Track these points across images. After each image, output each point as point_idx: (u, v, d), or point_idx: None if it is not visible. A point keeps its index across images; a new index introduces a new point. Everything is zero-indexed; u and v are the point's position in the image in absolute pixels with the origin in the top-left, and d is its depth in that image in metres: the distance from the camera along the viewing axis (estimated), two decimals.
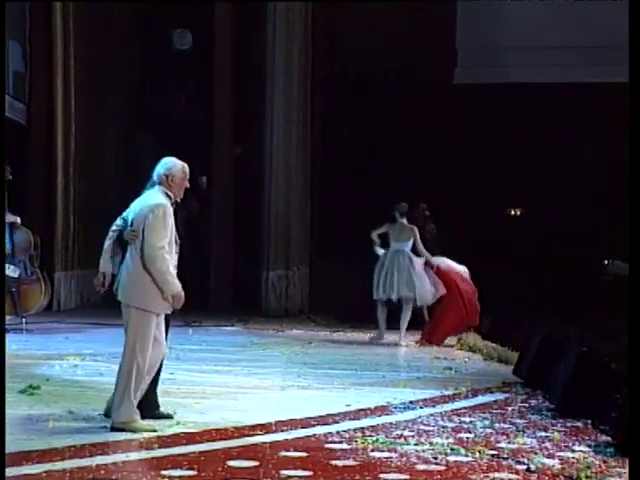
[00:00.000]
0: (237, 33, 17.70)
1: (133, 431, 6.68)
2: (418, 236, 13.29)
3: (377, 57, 17.64)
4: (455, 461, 6.23)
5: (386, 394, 8.88)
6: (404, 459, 6.25)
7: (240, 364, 10.36)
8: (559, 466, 6.14)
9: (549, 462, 6.24)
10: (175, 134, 16.74)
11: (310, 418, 7.52)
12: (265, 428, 7.06)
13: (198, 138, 17.48)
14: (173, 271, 6.83)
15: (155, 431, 6.74)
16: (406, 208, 13.45)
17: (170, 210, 6.87)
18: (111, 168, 17.88)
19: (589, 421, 7.62)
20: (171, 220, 6.84)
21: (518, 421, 7.77)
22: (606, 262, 13.32)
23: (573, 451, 6.65)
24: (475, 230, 17.29)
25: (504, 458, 6.34)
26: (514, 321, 14.11)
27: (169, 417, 7.17)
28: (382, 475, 5.80)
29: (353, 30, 17.98)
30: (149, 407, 7.07)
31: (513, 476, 5.85)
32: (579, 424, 7.68)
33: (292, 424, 7.23)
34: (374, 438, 6.79)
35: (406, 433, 7.09)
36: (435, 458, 6.29)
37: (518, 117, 17.58)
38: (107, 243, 7.15)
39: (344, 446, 6.59)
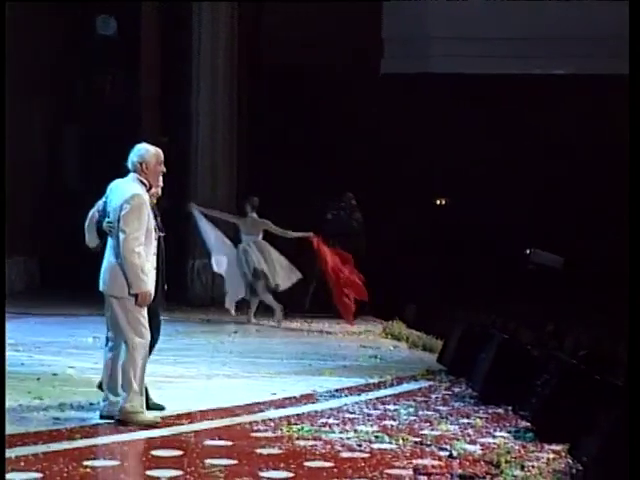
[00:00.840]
0: (163, 19, 17.53)
1: (139, 423, 6.60)
2: (274, 227, 13.36)
3: (304, 47, 17.64)
4: (379, 448, 6.30)
5: (312, 382, 8.92)
6: (329, 447, 6.29)
7: (165, 353, 10.24)
8: (480, 452, 6.25)
9: (471, 448, 6.35)
10: (100, 120, 16.51)
11: (236, 407, 7.52)
12: (190, 417, 7.04)
13: (124, 124, 17.27)
14: (148, 266, 6.74)
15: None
16: (257, 202, 13.57)
17: (145, 199, 6.76)
18: (37, 154, 17.56)
19: (510, 407, 7.76)
20: (147, 210, 6.75)
21: (441, 408, 7.88)
22: (528, 251, 13.58)
23: (494, 437, 6.77)
24: (402, 219, 17.43)
25: (427, 445, 6.42)
26: (439, 310, 14.28)
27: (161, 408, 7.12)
28: (307, 463, 5.83)
29: (280, 19, 17.96)
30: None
31: (436, 462, 5.93)
32: (500, 410, 7.83)
33: (217, 413, 7.23)
34: (299, 426, 6.82)
35: (331, 421, 7.13)
36: (359, 446, 6.34)
37: (444, 107, 17.74)
38: (87, 222, 7.02)
39: (269, 434, 6.61)
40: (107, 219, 6.81)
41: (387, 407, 7.81)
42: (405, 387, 8.99)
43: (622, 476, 5.25)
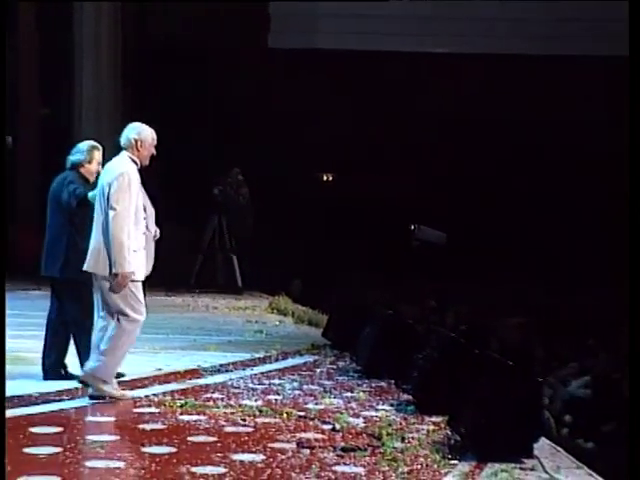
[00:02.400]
0: None
1: (103, 393, 6.67)
2: None
3: (190, 20, 17.43)
4: (263, 423, 6.32)
5: (197, 358, 8.89)
6: (213, 422, 6.28)
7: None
8: (363, 424, 6.33)
9: (354, 421, 6.42)
10: None
11: (119, 382, 7.41)
12: (71, 393, 6.92)
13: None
14: (136, 245, 6.64)
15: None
16: None
17: (136, 176, 6.69)
18: None
19: (392, 381, 7.89)
20: (137, 187, 6.67)
21: (326, 382, 7.96)
22: (413, 227, 13.77)
23: (377, 410, 6.87)
24: (288, 195, 17.46)
25: (311, 418, 6.48)
26: (324, 285, 14.39)
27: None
28: (190, 438, 5.81)
29: None
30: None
31: (319, 436, 5.98)
32: (383, 384, 7.96)
33: None
34: (183, 401, 6.79)
35: (215, 396, 7.13)
36: (244, 420, 6.35)
37: (331, 83, 17.80)
38: None
39: (153, 410, 6.56)
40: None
41: (272, 382, 7.85)
42: (290, 362, 9.04)
43: (498, 446, 5.41)
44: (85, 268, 6.77)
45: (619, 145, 17.03)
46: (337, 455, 5.46)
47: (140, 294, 6.80)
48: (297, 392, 7.45)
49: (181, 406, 6.67)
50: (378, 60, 17.99)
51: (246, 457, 5.36)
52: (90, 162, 7.47)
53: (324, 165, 18.81)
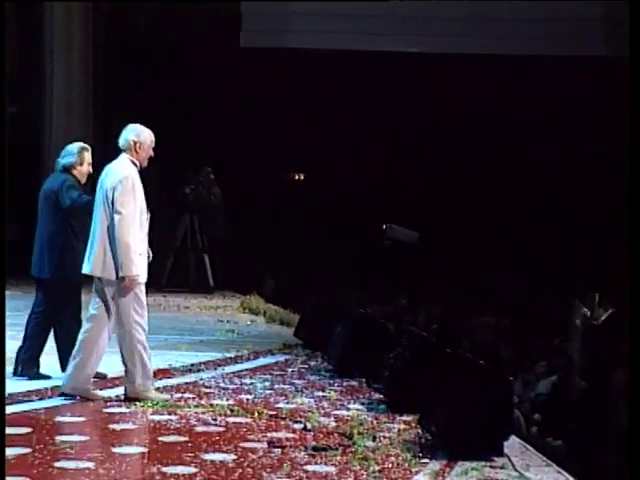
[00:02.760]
0: None
1: (147, 400, 6.68)
2: None
3: (163, 20, 17.37)
4: (234, 422, 6.31)
5: (168, 357, 8.86)
6: (184, 421, 6.26)
7: (15, 329, 9.97)
8: (334, 424, 6.34)
9: (325, 420, 6.43)
10: None
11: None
12: (40, 394, 6.88)
13: None
14: (141, 248, 6.67)
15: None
16: None
17: (138, 179, 6.71)
18: None
19: (364, 380, 7.90)
20: (141, 190, 6.70)
21: (297, 382, 7.96)
22: (384, 227, 13.75)
23: (348, 409, 6.88)
24: (259, 194, 17.44)
25: (282, 418, 6.48)
26: (296, 284, 14.40)
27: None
28: (161, 438, 5.79)
29: None
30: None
31: (290, 435, 5.98)
32: (355, 383, 7.98)
33: None
34: (154, 401, 6.76)
35: (187, 395, 7.12)
36: (215, 420, 6.34)
37: (303, 82, 17.80)
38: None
39: (123, 410, 6.53)
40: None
41: (243, 381, 7.84)
42: (262, 361, 9.04)
43: (468, 444, 5.44)
44: (90, 272, 6.77)
45: (597, 144, 17.25)
46: (308, 454, 5.47)
47: (144, 297, 6.83)
48: (268, 391, 7.45)
49: (152, 406, 6.64)
50: (350, 59, 18.00)
51: (217, 457, 5.36)
52: (81, 164, 7.55)
53: (297, 165, 18.81)
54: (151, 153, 6.94)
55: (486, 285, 15.17)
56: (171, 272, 15.33)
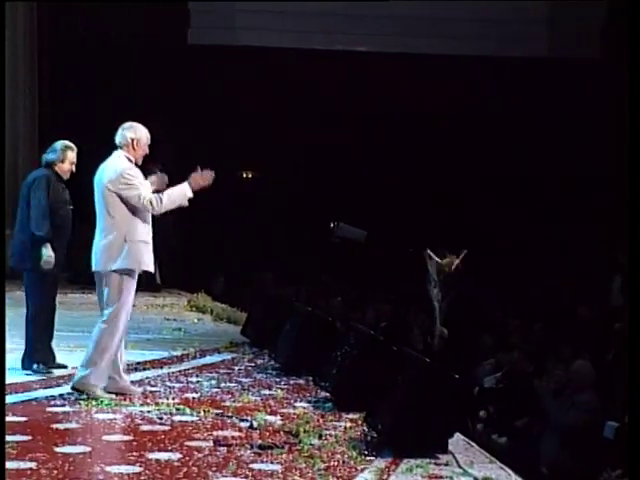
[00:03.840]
0: None
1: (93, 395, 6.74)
2: None
3: (109, 14, 17.22)
4: (180, 421, 6.27)
5: None
6: (129, 420, 6.22)
7: None
8: (280, 422, 6.33)
9: (271, 419, 6.42)
10: None
11: (32, 382, 7.32)
12: None
13: None
14: (148, 237, 6.93)
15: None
16: None
17: (139, 172, 6.84)
18: None
19: (311, 378, 7.90)
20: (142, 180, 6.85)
21: (244, 380, 7.94)
22: (332, 225, 13.77)
23: (294, 407, 6.88)
24: (208, 192, 17.33)
25: (228, 416, 6.45)
26: (244, 282, 14.35)
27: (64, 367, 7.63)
28: (105, 437, 5.74)
29: None
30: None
31: (236, 433, 5.96)
32: (301, 381, 7.97)
33: (12, 388, 6.97)
34: (98, 400, 6.70)
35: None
36: (160, 419, 6.29)
37: (250, 80, 17.76)
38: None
39: (67, 409, 6.46)
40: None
41: (189, 380, 7.81)
42: (208, 359, 9.00)
43: (413, 442, 5.46)
44: (94, 268, 6.90)
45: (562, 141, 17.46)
46: (254, 453, 5.45)
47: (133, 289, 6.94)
48: (215, 390, 7.42)
49: (96, 405, 6.58)
50: (300, 57, 17.99)
51: (162, 456, 5.32)
52: (63, 161, 7.75)
53: (244, 163, 18.75)
54: (147, 150, 7.06)
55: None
56: None
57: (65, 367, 7.88)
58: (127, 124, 7.04)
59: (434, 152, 17.80)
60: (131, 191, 6.77)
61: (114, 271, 6.79)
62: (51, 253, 7.51)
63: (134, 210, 6.83)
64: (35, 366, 7.68)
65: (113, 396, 6.84)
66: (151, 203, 6.81)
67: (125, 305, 6.85)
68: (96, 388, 6.79)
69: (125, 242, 6.79)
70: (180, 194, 6.96)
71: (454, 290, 7.08)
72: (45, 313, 7.77)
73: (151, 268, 7.04)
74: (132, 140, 6.93)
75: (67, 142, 7.85)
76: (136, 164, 6.98)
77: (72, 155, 7.77)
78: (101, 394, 6.79)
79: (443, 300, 7.12)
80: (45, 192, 7.59)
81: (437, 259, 7.23)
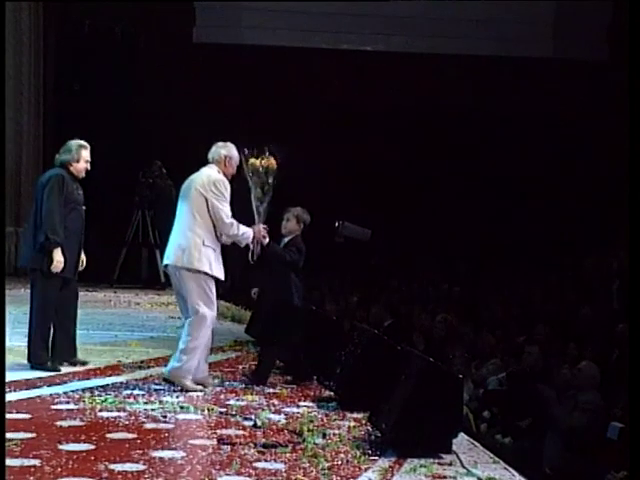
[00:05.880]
0: None
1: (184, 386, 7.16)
2: None
3: (115, 12, 17.22)
4: (184, 419, 6.28)
5: (118, 354, 8.81)
6: (133, 418, 6.22)
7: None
8: (284, 421, 6.33)
9: (275, 417, 6.42)
10: None
11: (37, 379, 7.32)
12: None
13: None
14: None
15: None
16: None
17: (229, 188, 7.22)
18: None
19: (315, 377, 7.90)
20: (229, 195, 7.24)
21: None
22: (337, 224, 13.74)
23: (298, 406, 6.88)
24: None
25: (232, 415, 6.45)
26: (248, 281, 14.29)
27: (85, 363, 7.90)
28: (109, 435, 5.73)
29: None
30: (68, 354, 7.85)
31: (240, 432, 5.96)
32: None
33: (16, 385, 7.00)
34: (103, 398, 6.72)
35: (136, 392, 7.07)
36: (164, 417, 6.30)
37: (254, 78, 17.75)
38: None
39: (71, 406, 6.46)
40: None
41: None
42: (212, 358, 8.93)
43: (417, 442, 5.46)
44: (172, 263, 7.22)
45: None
46: (258, 451, 5.45)
47: (214, 291, 7.33)
48: (219, 388, 7.42)
49: (100, 402, 6.59)
50: (304, 56, 17.98)
51: (166, 454, 5.32)
52: (78, 161, 7.78)
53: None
54: (235, 171, 7.37)
55: (440, 281, 15.24)
56: (122, 268, 15.21)
57: (86, 363, 8.00)
58: (221, 143, 7.36)
59: (439, 152, 17.79)
60: (219, 202, 7.15)
61: (189, 270, 7.15)
62: (61, 258, 7.52)
63: (212, 219, 7.18)
64: (38, 364, 7.69)
65: (200, 387, 7.22)
66: (232, 224, 7.21)
67: (207, 302, 7.28)
68: (186, 380, 7.16)
69: (203, 245, 7.15)
70: (246, 235, 7.35)
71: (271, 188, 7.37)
72: (46, 312, 7.75)
73: (221, 276, 7.36)
74: (225, 157, 7.29)
75: (81, 141, 7.87)
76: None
77: (86, 154, 7.82)
78: (191, 385, 7.15)
79: (262, 203, 7.36)
80: (59, 194, 7.60)
81: (253, 160, 7.43)
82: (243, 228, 7.31)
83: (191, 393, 7.14)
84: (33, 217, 7.76)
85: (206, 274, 7.20)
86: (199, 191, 7.19)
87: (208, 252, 7.17)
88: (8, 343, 8.88)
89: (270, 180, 7.46)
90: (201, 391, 7.20)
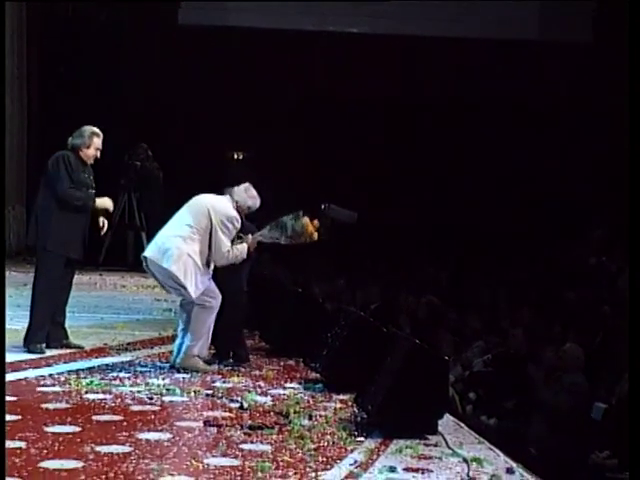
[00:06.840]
0: None
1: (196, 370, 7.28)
2: None
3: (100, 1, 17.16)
4: (170, 401, 6.29)
5: (104, 336, 8.82)
6: (119, 400, 6.23)
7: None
8: (271, 403, 6.35)
9: (261, 399, 6.44)
10: None
11: (22, 361, 7.32)
12: None
13: None
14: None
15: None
16: None
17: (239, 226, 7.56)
18: None
19: (301, 359, 7.92)
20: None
21: None
22: (323, 206, 13.74)
23: (285, 388, 6.91)
24: (197, 173, 17.29)
25: (218, 397, 6.47)
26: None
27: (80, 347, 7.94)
28: (95, 417, 5.74)
29: None
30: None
31: (226, 414, 5.97)
32: (292, 362, 7.99)
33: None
34: (89, 380, 6.72)
35: (122, 375, 7.08)
36: (150, 399, 6.31)
37: (240, 61, 17.66)
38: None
39: (57, 389, 6.47)
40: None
41: None
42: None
43: (403, 423, 5.49)
44: (148, 254, 7.54)
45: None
46: (244, 433, 5.47)
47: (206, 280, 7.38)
48: None
49: (86, 385, 6.59)
50: (291, 39, 17.90)
51: (152, 436, 5.33)
52: (89, 147, 7.89)
53: (235, 144, 18.67)
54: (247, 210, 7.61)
55: (427, 264, 15.27)
56: (108, 250, 15.14)
57: (82, 347, 8.02)
58: (252, 191, 7.68)
59: (426, 137, 17.77)
60: (224, 236, 7.32)
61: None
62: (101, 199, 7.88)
63: (208, 245, 7.29)
64: (32, 346, 7.67)
65: (214, 367, 7.41)
66: (228, 252, 7.36)
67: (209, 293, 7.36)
68: (198, 360, 7.31)
69: (188, 256, 7.22)
70: (242, 255, 7.50)
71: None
72: (51, 294, 7.81)
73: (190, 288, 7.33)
74: (247, 208, 7.61)
75: (94, 128, 7.96)
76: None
77: (98, 141, 7.90)
78: (203, 366, 7.29)
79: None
80: (65, 170, 7.70)
81: (306, 220, 7.51)
82: (237, 249, 7.43)
83: (177, 375, 7.16)
84: (40, 197, 7.86)
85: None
86: (210, 214, 7.33)
87: (189, 262, 7.25)
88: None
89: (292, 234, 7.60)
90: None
